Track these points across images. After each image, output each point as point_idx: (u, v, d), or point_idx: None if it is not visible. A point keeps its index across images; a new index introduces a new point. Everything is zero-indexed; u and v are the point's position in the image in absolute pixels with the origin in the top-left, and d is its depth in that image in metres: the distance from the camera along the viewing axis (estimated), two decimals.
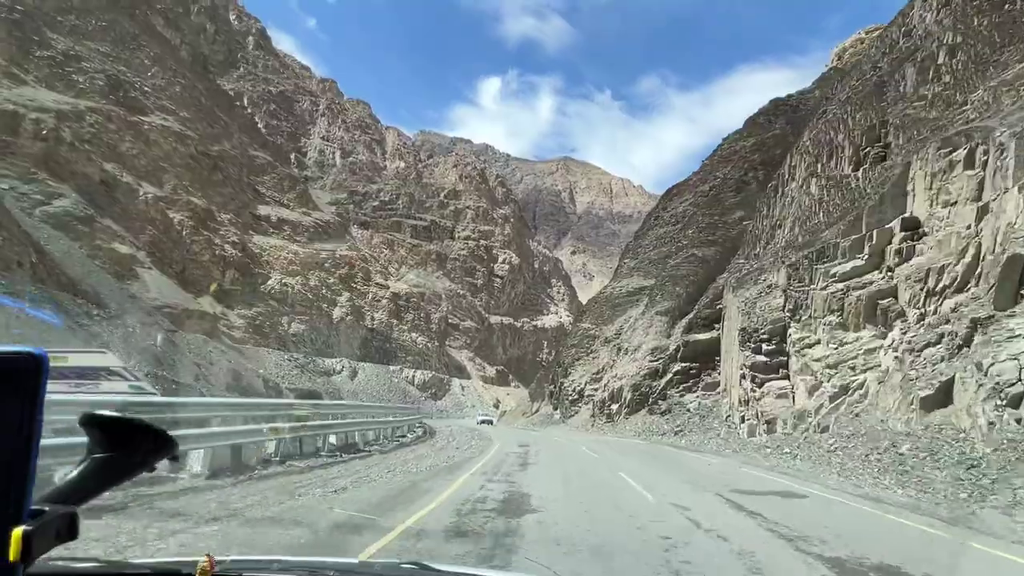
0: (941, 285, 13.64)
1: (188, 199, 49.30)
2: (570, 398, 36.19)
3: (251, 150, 67.71)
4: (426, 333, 68.13)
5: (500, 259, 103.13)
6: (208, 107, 65.30)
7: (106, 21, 59.42)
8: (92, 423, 0.71)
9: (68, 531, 0.63)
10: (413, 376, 56.40)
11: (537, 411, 41.07)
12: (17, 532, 0.54)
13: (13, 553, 0.54)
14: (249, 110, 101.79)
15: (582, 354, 39.92)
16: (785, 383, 18.02)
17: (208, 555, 1.03)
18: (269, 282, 50.21)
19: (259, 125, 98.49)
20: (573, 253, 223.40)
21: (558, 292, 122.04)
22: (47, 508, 0.61)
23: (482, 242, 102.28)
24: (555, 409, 37.98)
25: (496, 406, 66.52)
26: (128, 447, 0.72)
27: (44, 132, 39.55)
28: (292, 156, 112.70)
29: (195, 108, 62.52)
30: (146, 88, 56.36)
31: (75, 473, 0.69)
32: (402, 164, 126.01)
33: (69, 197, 36.78)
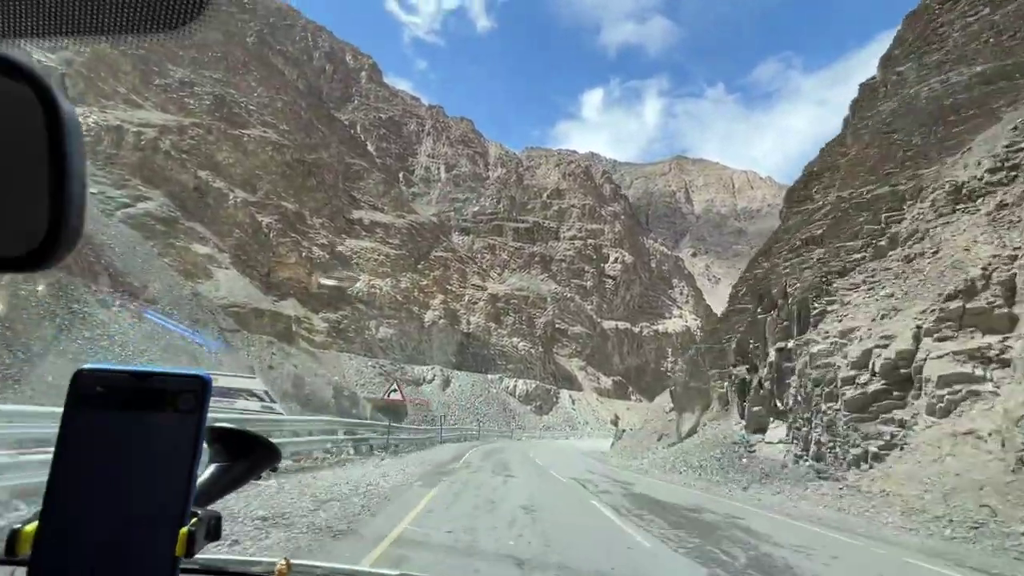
0: None
1: (279, 203, 48.16)
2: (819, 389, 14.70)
3: (348, 158, 67.34)
4: (529, 338, 60.62)
5: (612, 258, 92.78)
6: (307, 119, 66.36)
7: (220, 53, 63.16)
8: (214, 435, 0.80)
9: (215, 531, 0.69)
10: (514, 386, 48.96)
11: (691, 431, 23.54)
12: (183, 531, 0.62)
13: (180, 549, 0.61)
14: (362, 136, 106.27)
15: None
16: None
17: (285, 558, 1.11)
18: (357, 284, 46.74)
19: (369, 147, 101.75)
20: (694, 255, 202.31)
21: (681, 293, 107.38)
22: (199, 511, 0.67)
23: (590, 241, 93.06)
24: (753, 421, 19.00)
25: (615, 423, 56.22)
26: (242, 457, 0.81)
27: (143, 143, 40.18)
28: (400, 175, 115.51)
29: (295, 121, 63.70)
30: (251, 106, 57.95)
31: (201, 479, 0.76)
32: (503, 171, 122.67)
33: (156, 201, 36.22)
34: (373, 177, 66.17)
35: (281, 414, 16.70)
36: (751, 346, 21.55)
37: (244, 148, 50.72)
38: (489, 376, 48.91)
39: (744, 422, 19.79)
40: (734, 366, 22.22)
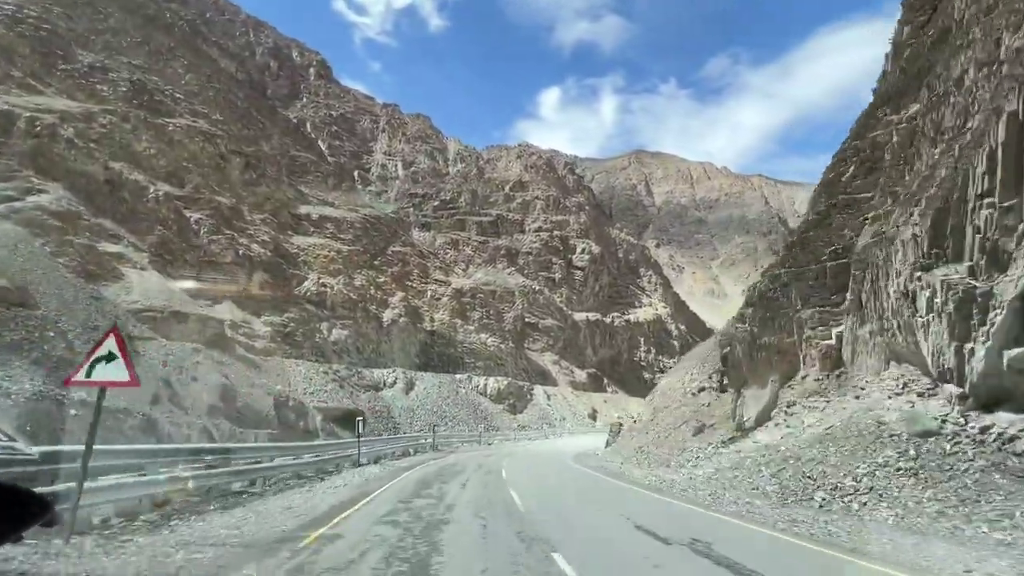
0: None
1: (212, 198, 43.07)
2: None
3: (294, 151, 62.22)
4: (498, 334, 57.28)
5: (579, 249, 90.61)
6: (245, 110, 60.87)
7: (140, 37, 56.90)
8: None
9: None
10: (485, 385, 45.53)
11: (762, 416, 16.19)
12: None
13: None
14: (313, 134, 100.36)
15: None
16: None
17: None
18: (305, 284, 42.23)
19: (321, 145, 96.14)
20: (657, 246, 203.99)
21: (649, 282, 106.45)
22: None
23: (556, 233, 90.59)
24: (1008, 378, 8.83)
25: (592, 416, 53.60)
26: None
27: (39, 129, 34.55)
28: (356, 173, 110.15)
29: (231, 111, 58.17)
30: (177, 94, 52.22)
31: None
32: (463, 166, 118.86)
33: (52, 194, 30.86)
34: (322, 170, 61.31)
35: (29, 454, 10.03)
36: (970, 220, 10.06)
37: (169, 138, 45.27)
38: (457, 376, 45.29)
39: (961, 387, 9.89)
40: (926, 268, 10.89)
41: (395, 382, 39.49)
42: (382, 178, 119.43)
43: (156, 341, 24.69)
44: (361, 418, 17.54)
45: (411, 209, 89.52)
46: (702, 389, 22.33)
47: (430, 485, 13.69)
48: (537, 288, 74.18)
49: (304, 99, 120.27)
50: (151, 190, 38.23)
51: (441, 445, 32.12)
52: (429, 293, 54.47)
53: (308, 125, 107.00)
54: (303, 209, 51.82)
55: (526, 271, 79.82)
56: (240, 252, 39.77)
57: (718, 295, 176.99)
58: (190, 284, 34.36)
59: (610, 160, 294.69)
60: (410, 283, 53.67)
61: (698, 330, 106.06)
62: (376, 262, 52.23)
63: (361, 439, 20.44)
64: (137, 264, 30.96)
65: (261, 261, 40.78)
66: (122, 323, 23.85)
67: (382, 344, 44.13)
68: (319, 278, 43.39)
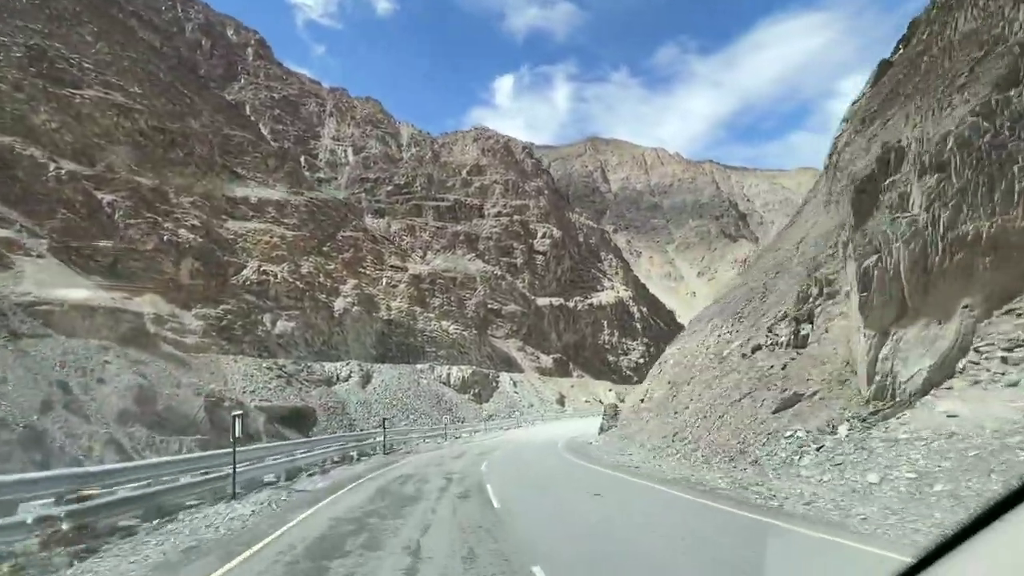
0: None
1: (130, 178, 38.05)
2: None
3: (230, 129, 56.73)
4: (461, 321, 54.67)
5: (540, 234, 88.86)
6: (169, 83, 54.83)
7: (39, 0, 49.81)
8: None
9: None
10: (448, 374, 42.98)
11: (883, 374, 10.39)
12: None
13: None
14: (253, 116, 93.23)
15: None
16: None
17: None
18: (244, 272, 38.14)
19: (263, 130, 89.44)
20: (615, 232, 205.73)
21: (610, 266, 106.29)
22: None
23: (516, 217, 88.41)
24: None
25: (560, 402, 52.17)
26: None
27: None
28: (303, 158, 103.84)
29: (152, 84, 52.12)
30: (86, 63, 45.99)
31: None
32: (418, 150, 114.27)
33: None
34: (261, 151, 56.25)
35: None
36: None
37: (76, 111, 39.65)
38: (418, 366, 42.50)
39: None
40: None
41: (350, 375, 36.33)
42: (331, 164, 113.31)
43: (52, 339, 20.73)
44: (240, 412, 12.61)
45: (363, 195, 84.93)
46: (757, 348, 16.32)
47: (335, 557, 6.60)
48: (499, 274, 71.90)
49: (242, 80, 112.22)
50: (51, 168, 33.05)
51: (397, 444, 26.62)
52: (385, 280, 51.08)
53: (248, 108, 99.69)
54: (240, 192, 47.11)
55: (487, 256, 77.32)
56: (165, 238, 35.26)
57: (674, 278, 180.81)
58: (101, 274, 29.89)
59: (566, 147, 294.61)
60: (363, 270, 50.08)
61: (659, 313, 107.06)
62: (325, 248, 48.32)
63: (245, 449, 14.58)
64: (33, 251, 26.36)
65: (191, 247, 36.37)
66: (9, 320, 19.79)
67: (334, 335, 40.69)
68: (260, 265, 39.35)
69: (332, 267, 46.55)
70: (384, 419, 25.55)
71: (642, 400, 23.43)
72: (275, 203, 48.02)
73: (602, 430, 24.25)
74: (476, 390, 43.78)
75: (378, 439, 25.35)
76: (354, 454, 22.25)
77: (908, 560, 1.28)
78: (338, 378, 35.93)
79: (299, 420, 29.46)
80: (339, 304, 42.71)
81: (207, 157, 48.28)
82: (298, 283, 40.64)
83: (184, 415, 21.65)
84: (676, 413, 17.88)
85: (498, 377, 48.06)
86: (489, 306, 63.46)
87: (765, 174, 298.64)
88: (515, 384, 48.69)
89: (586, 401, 56.10)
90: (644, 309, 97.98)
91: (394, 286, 51.09)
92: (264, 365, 31.62)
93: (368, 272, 50.32)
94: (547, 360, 63.00)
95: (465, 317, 56.47)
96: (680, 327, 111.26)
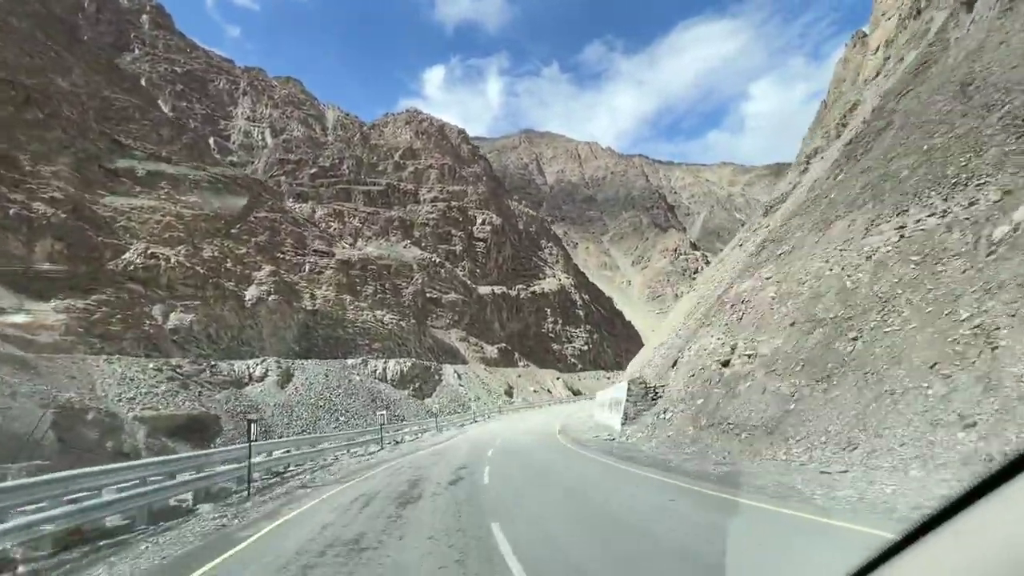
0: None
1: None
2: None
3: (111, 92, 47.81)
4: (397, 310, 49.82)
5: (479, 220, 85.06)
6: (27, 33, 45.12)
7: None
8: None
9: None
10: (384, 368, 38.30)
11: None
12: None
13: None
14: (152, 90, 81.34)
15: None
16: None
17: None
18: (126, 256, 31.29)
19: (162, 105, 78.25)
20: (552, 223, 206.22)
21: (551, 254, 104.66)
22: None
23: (454, 203, 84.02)
24: None
25: (508, 393, 48.98)
26: None
27: None
28: (212, 140, 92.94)
29: (4, 32, 42.48)
30: None
31: None
32: (345, 132, 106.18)
33: None
34: (151, 118, 47.89)
35: None
36: None
37: None
38: (349, 361, 37.45)
39: None
40: None
41: (265, 374, 30.81)
42: (246, 147, 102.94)
43: None
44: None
45: (283, 177, 76.77)
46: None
47: None
48: (437, 261, 67.37)
49: (136, 51, 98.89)
50: None
51: (294, 463, 16.37)
52: (308, 266, 45.14)
53: (144, 81, 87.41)
54: (122, 163, 39.36)
55: (423, 243, 72.44)
56: (12, 212, 27.86)
57: (610, 267, 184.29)
58: None
59: (501, 139, 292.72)
60: (282, 255, 43.87)
61: (599, 300, 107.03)
62: (234, 230, 41.66)
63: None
64: None
65: (51, 225, 29.11)
66: None
67: (246, 329, 34.70)
68: (147, 248, 32.57)
69: (243, 251, 40.11)
70: (250, 421, 10.14)
71: (725, 364, 13.58)
72: (169, 177, 40.66)
73: (624, 420, 17.68)
74: (417, 384, 39.46)
75: (264, 456, 15.43)
76: (195, 496, 11.14)
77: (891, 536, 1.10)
78: (251, 378, 30.31)
79: (197, 431, 23.94)
80: (251, 292, 36.63)
81: (79, 121, 39.90)
82: (198, 268, 34.20)
83: (17, 435, 15.92)
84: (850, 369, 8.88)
85: (441, 369, 43.97)
86: (428, 295, 58.92)
87: (690, 168, 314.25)
88: (460, 376, 44.84)
89: (534, 391, 53.41)
90: (586, 296, 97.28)
91: (319, 273, 45.28)
92: (151, 366, 25.57)
93: (287, 258, 44.18)
94: (492, 350, 59.61)
95: (402, 306, 51.65)
96: (619, 314, 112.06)
